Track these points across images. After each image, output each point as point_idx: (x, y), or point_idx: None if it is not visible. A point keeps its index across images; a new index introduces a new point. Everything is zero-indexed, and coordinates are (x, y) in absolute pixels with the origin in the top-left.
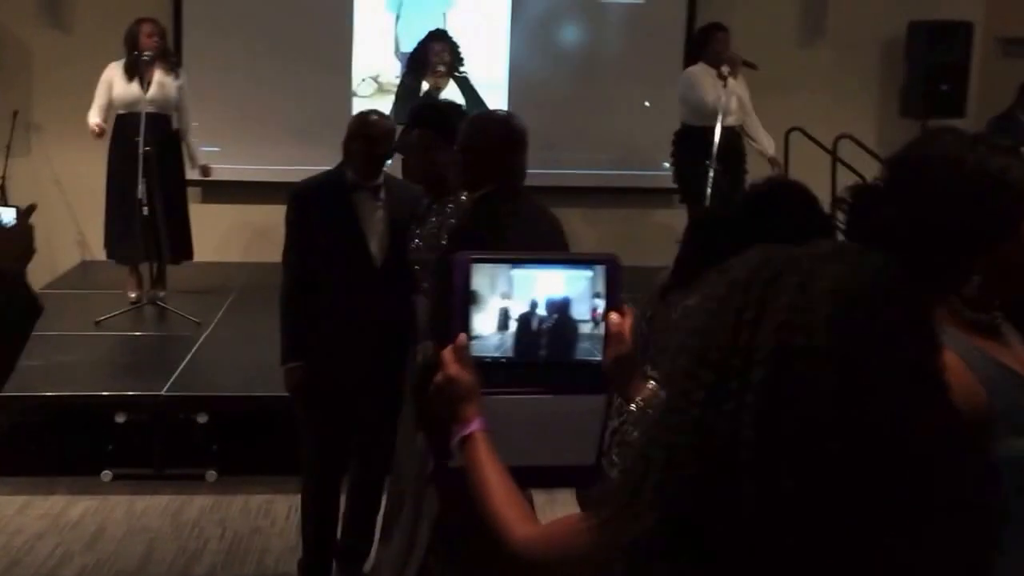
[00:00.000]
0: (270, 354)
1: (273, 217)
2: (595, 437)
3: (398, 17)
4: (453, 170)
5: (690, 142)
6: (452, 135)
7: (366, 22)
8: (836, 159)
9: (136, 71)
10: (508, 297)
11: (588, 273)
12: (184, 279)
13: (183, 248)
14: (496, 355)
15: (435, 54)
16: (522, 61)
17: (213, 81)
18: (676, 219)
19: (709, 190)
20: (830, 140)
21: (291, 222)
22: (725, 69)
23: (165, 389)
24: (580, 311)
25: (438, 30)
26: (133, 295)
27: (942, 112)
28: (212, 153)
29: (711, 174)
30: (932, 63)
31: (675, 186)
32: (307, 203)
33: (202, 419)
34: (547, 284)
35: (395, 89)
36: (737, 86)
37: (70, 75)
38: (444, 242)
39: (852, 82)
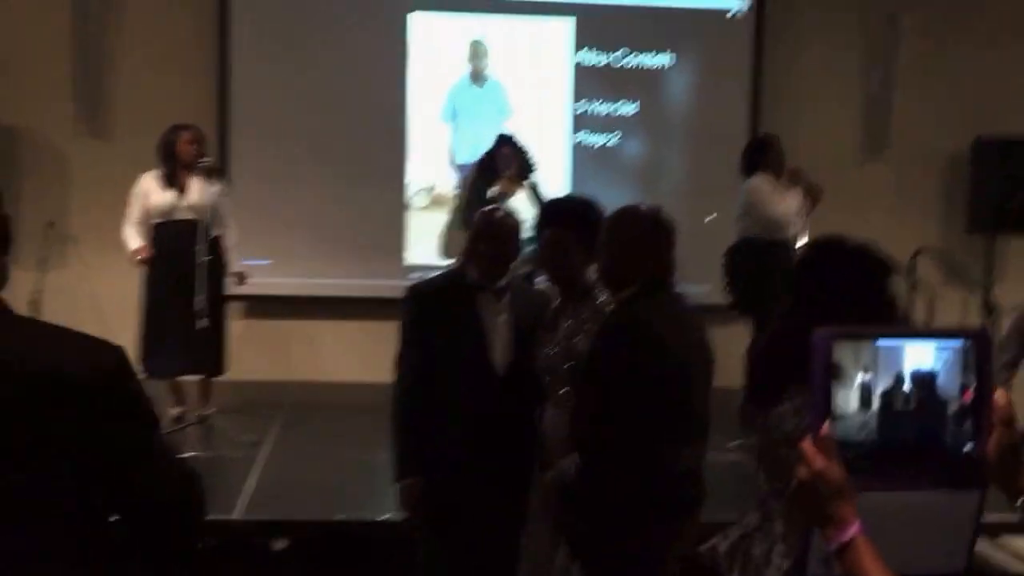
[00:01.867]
0: (340, 475)
1: (321, 331)
2: (966, 540)
3: (454, 127)
4: (590, 270)
5: (754, 254)
6: (588, 234)
7: (420, 132)
8: (912, 276)
9: (174, 179)
10: (870, 371)
11: (956, 345)
12: (227, 398)
13: (218, 362)
14: (860, 438)
15: (502, 159)
16: (582, 172)
17: (262, 191)
18: (737, 335)
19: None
20: (894, 255)
21: (409, 323)
22: (801, 184)
23: (236, 513)
24: (948, 390)
25: (505, 135)
26: (176, 411)
27: (1012, 226)
28: (261, 267)
29: None
30: (1001, 177)
31: (730, 300)
32: (427, 303)
33: (280, 545)
34: (913, 357)
35: (450, 200)
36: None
37: (108, 185)
38: (583, 342)
39: (916, 197)
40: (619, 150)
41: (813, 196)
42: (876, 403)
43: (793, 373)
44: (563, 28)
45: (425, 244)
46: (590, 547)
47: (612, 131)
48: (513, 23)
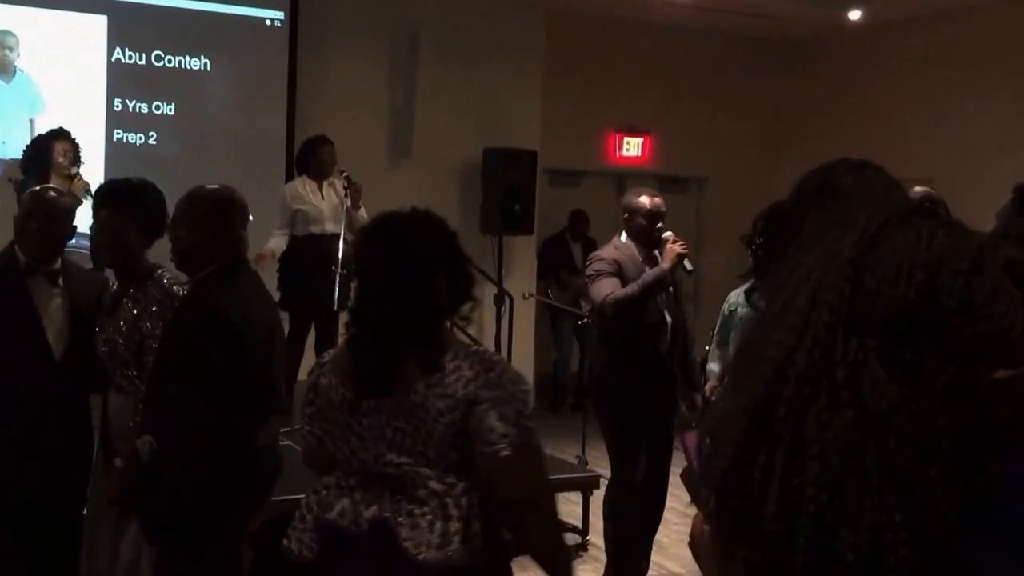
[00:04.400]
0: None
1: None
2: None
3: None
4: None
5: (299, 249)
6: (145, 216)
7: None
8: None
9: None
10: None
11: None
12: None
13: None
14: None
15: (62, 154)
16: (120, 170)
17: None
18: None
19: (337, 292)
20: None
21: None
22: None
23: None
24: None
25: (61, 129)
26: None
27: (515, 228)
28: None
29: (338, 279)
30: (505, 186)
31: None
32: None
33: None
34: None
35: None
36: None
37: None
38: (150, 326)
39: (437, 200)
40: (157, 149)
41: (353, 195)
42: None
43: None
44: (97, 24)
45: None
46: (169, 530)
47: (150, 130)
48: (44, 15)
